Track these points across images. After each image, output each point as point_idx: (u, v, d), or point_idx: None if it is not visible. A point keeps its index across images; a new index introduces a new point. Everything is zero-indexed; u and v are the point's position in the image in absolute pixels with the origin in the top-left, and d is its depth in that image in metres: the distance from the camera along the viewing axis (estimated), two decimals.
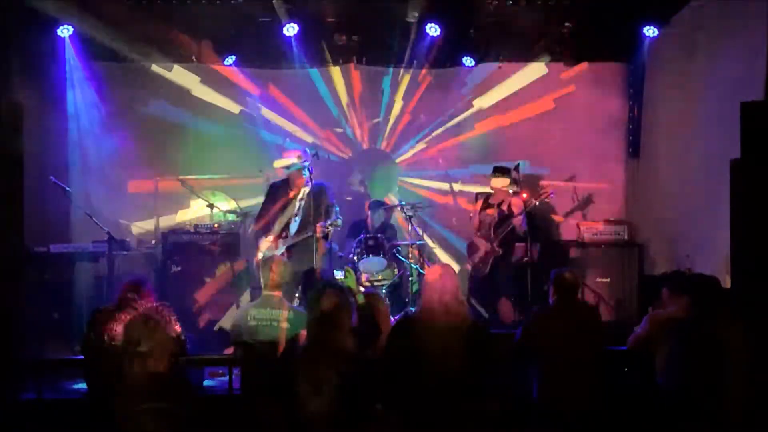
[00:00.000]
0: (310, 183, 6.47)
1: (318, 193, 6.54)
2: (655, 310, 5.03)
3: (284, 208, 6.51)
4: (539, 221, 7.71)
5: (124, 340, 3.48)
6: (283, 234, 6.47)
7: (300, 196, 6.53)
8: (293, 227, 6.50)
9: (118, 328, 4.57)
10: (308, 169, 6.50)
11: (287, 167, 6.53)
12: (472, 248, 7.42)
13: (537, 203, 7.20)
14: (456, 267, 7.93)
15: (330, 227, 6.41)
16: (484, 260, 7.19)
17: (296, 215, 6.52)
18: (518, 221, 6.98)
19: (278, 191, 6.62)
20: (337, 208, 6.54)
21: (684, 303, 4.71)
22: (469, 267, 7.31)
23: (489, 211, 7.25)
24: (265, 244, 6.45)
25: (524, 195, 6.82)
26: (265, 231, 6.52)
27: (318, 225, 6.31)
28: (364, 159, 8.72)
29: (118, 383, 3.42)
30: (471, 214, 7.87)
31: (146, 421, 3.21)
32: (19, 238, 5.68)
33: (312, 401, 3.56)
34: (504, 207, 7.16)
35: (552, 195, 7.28)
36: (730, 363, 4.23)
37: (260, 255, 6.45)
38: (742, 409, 4.12)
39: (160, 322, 3.52)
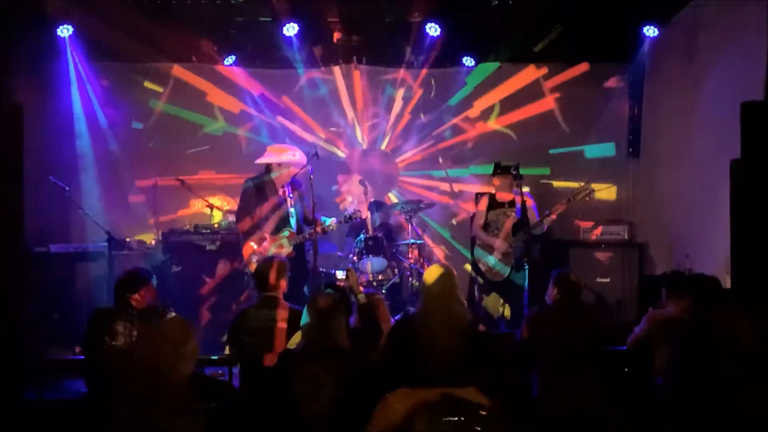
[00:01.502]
0: (298, 179, 6.58)
1: (301, 191, 6.65)
2: (655, 310, 5.02)
3: (279, 205, 6.47)
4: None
5: (169, 342, 3.41)
6: (287, 232, 6.46)
7: (290, 194, 6.54)
8: (293, 224, 6.49)
9: (119, 328, 4.58)
10: (309, 170, 6.53)
11: (280, 164, 6.52)
12: (483, 250, 7.05)
13: (574, 201, 6.80)
14: (456, 267, 7.95)
15: (352, 217, 6.54)
16: (501, 263, 6.90)
17: (292, 212, 6.51)
18: (549, 221, 6.78)
19: (266, 187, 6.55)
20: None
21: (684, 303, 4.71)
22: (482, 268, 6.98)
23: (503, 210, 6.99)
24: (267, 245, 6.43)
25: (528, 197, 6.75)
26: (255, 230, 6.48)
27: (335, 220, 6.43)
28: (364, 159, 8.71)
29: (155, 387, 3.34)
30: (472, 213, 7.85)
31: (189, 423, 3.18)
32: (19, 238, 5.68)
33: (310, 401, 3.57)
34: (518, 206, 6.64)
35: (591, 193, 6.81)
36: (729, 363, 4.23)
37: (254, 258, 6.42)
38: (742, 410, 4.11)
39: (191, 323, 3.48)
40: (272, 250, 6.39)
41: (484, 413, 3.13)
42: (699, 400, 4.20)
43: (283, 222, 6.48)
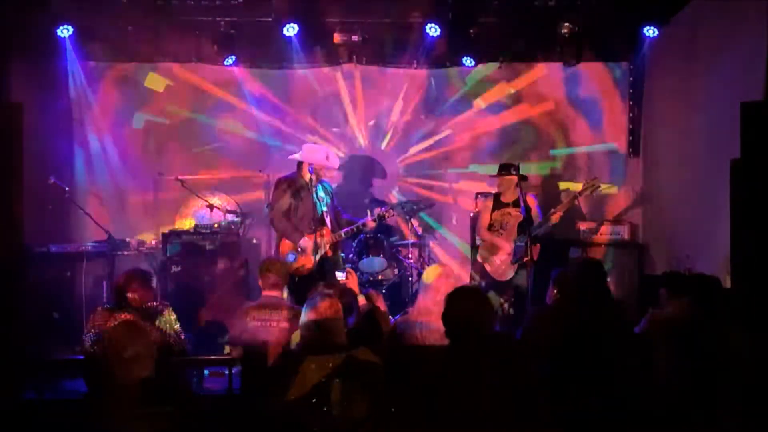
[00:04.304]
0: (325, 180, 6.62)
1: (331, 192, 6.69)
2: (655, 310, 5.02)
3: (312, 204, 6.45)
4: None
5: (108, 346, 3.46)
6: (324, 230, 6.44)
7: (321, 194, 6.54)
8: (328, 224, 6.49)
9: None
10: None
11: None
12: (487, 250, 7.05)
13: (578, 199, 6.86)
14: (456, 267, 7.95)
15: (385, 215, 6.55)
16: (506, 262, 6.89)
17: (327, 212, 6.52)
18: (557, 218, 6.73)
19: (300, 186, 6.54)
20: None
21: (684, 303, 4.70)
22: (488, 269, 7.00)
23: (507, 209, 6.99)
24: (305, 243, 6.44)
25: (532, 197, 6.75)
26: (291, 228, 6.49)
27: (370, 218, 6.46)
28: (363, 159, 8.69)
29: (108, 388, 3.40)
30: (472, 213, 7.85)
31: (139, 426, 3.21)
32: (19, 238, 5.69)
33: (308, 401, 3.57)
34: (522, 205, 6.65)
35: (598, 189, 6.92)
36: (730, 363, 4.23)
37: (291, 257, 6.44)
38: (742, 410, 4.12)
39: (145, 326, 3.52)
40: (309, 249, 6.41)
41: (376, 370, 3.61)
42: (698, 400, 4.21)
43: (319, 221, 6.46)
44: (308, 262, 6.37)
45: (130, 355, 3.35)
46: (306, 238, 6.43)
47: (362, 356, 3.61)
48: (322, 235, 6.38)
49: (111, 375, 3.37)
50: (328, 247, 6.39)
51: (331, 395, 3.49)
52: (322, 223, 6.45)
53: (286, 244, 6.51)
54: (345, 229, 6.50)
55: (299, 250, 6.42)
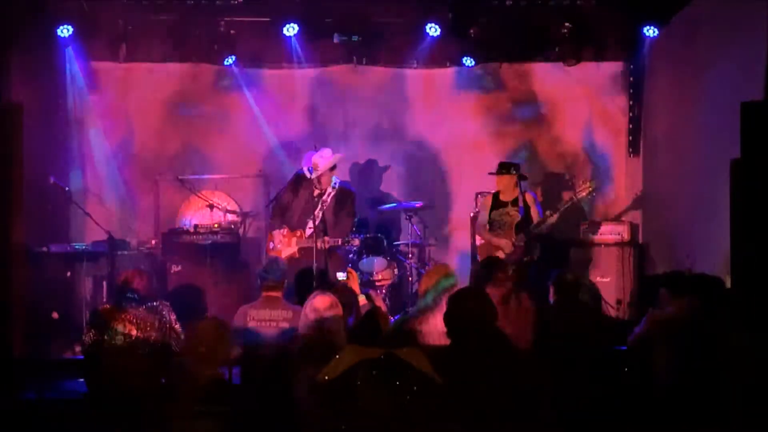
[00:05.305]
0: (337, 184, 6.54)
1: (343, 198, 6.60)
2: (655, 310, 5.02)
3: (306, 204, 6.43)
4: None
5: (193, 342, 3.46)
6: (298, 232, 6.42)
7: (324, 197, 6.51)
8: (309, 229, 6.47)
9: (119, 327, 4.59)
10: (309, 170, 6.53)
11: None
12: (486, 250, 7.06)
13: (576, 199, 6.89)
14: (456, 267, 7.94)
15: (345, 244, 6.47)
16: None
17: (316, 217, 6.46)
18: (554, 219, 6.76)
19: (303, 184, 6.53)
20: (357, 219, 6.69)
21: (684, 303, 4.70)
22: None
23: (506, 209, 6.99)
24: (279, 237, 6.42)
25: (531, 196, 6.76)
26: (281, 223, 6.51)
27: (329, 238, 6.35)
28: (363, 159, 8.68)
29: (176, 385, 3.39)
30: (472, 214, 7.85)
31: (203, 425, 3.21)
32: (19, 238, 5.69)
33: (308, 401, 3.57)
34: (521, 204, 6.77)
35: (595, 191, 6.94)
36: (730, 363, 4.23)
37: (270, 245, 6.48)
38: (743, 411, 4.12)
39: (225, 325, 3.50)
40: (281, 246, 6.39)
41: (421, 377, 3.35)
42: (699, 400, 4.21)
43: (306, 222, 6.43)
44: (277, 255, 6.35)
45: (204, 352, 3.35)
46: (282, 232, 6.45)
47: (405, 356, 3.47)
48: (296, 236, 6.39)
49: (184, 371, 3.35)
50: (296, 248, 6.36)
51: (356, 383, 3.38)
52: (304, 224, 6.41)
53: (270, 235, 6.69)
54: (334, 239, 6.45)
55: (273, 242, 6.53)
